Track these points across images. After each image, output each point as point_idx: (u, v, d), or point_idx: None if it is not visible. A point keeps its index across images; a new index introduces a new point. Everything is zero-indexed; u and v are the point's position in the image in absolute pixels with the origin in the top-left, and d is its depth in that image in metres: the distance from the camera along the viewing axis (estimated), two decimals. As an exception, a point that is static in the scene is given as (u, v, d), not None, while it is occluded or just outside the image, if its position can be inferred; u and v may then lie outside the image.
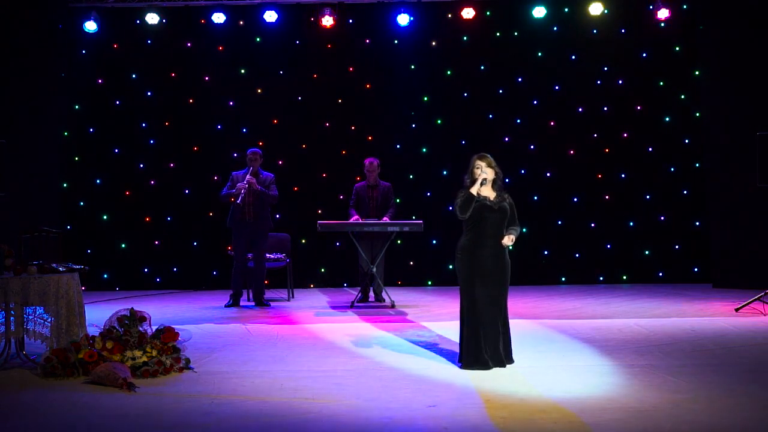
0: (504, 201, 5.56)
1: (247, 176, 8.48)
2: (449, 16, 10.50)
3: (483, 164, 5.54)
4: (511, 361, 5.57)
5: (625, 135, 10.63)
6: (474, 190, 5.48)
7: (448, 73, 10.68)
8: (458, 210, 5.52)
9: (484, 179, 5.48)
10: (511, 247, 5.58)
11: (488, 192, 5.57)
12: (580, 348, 6.16)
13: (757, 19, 9.57)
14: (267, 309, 8.57)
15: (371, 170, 8.97)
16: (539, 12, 10.28)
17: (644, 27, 10.49)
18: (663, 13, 10.15)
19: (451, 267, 10.47)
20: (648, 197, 10.60)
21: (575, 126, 10.62)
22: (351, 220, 8.69)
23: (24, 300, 5.60)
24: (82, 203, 10.45)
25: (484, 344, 5.41)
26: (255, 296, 8.82)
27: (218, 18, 10.22)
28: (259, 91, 10.59)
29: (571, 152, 10.64)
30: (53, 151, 10.14)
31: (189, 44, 10.57)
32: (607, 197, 10.63)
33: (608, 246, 10.62)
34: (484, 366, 5.37)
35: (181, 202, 10.49)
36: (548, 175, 10.61)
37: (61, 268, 5.85)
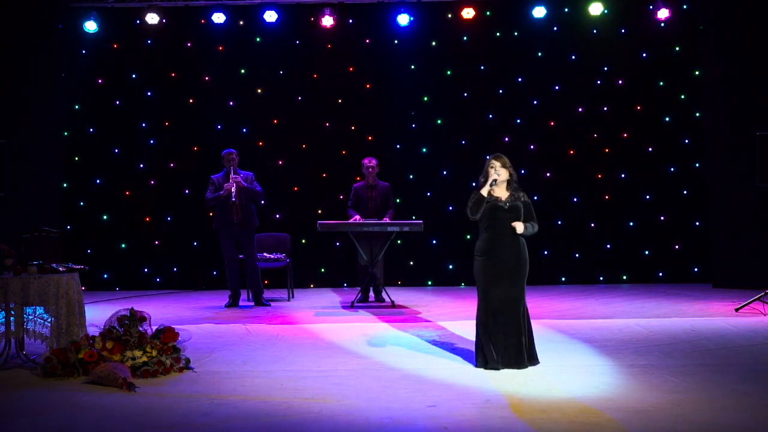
0: (517, 200, 5.56)
1: (232, 175, 8.48)
2: (449, 16, 10.51)
3: (498, 164, 5.54)
4: (535, 362, 5.50)
5: (625, 135, 10.63)
6: (484, 191, 5.49)
7: (448, 73, 10.68)
8: (469, 211, 5.54)
9: (494, 180, 5.48)
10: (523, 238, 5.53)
11: (501, 192, 5.58)
12: (580, 348, 6.16)
13: (757, 19, 9.57)
14: (267, 309, 8.57)
15: (370, 170, 8.96)
16: (539, 12, 10.28)
17: (644, 27, 10.49)
18: (663, 13, 10.15)
19: (450, 267, 10.51)
20: (648, 197, 10.60)
21: (575, 126, 10.62)
22: (352, 220, 8.68)
23: (24, 300, 5.60)
24: (82, 203, 10.45)
25: (495, 345, 5.38)
26: (254, 296, 8.83)
27: (218, 18, 10.22)
28: (259, 91, 10.60)
29: (571, 152, 10.64)
30: (53, 151, 10.14)
31: (189, 44, 10.57)
32: (607, 197, 10.63)
33: (608, 246, 10.62)
34: (495, 367, 5.36)
35: (181, 202, 10.49)
36: (548, 175, 10.61)
37: (61, 268, 5.85)
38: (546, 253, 10.60)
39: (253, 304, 8.83)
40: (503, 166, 5.55)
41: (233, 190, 8.41)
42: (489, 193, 5.51)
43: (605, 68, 10.60)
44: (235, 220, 8.54)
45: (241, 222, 8.56)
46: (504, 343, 5.39)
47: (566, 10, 10.50)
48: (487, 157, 5.65)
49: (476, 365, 5.51)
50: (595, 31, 10.51)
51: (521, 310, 5.47)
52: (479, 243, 5.57)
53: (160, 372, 5.33)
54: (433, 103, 10.65)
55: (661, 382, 5.01)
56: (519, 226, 5.45)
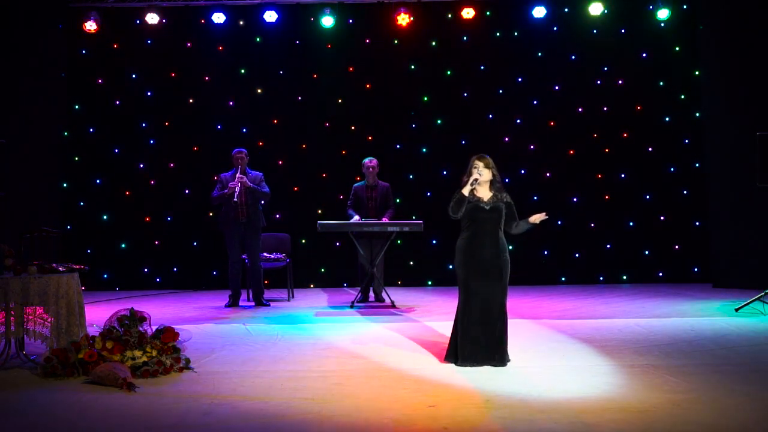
0: (499, 201, 5.61)
1: (238, 175, 8.48)
2: (449, 16, 10.52)
3: (480, 164, 5.59)
4: (507, 359, 5.56)
5: (625, 135, 10.63)
6: (465, 191, 5.54)
7: (448, 73, 10.68)
8: (450, 210, 5.62)
9: (475, 180, 5.53)
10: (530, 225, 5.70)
11: (484, 192, 5.63)
12: (580, 348, 6.16)
13: (757, 19, 9.57)
14: (267, 309, 8.57)
15: (371, 170, 8.97)
16: (539, 12, 10.29)
17: (644, 27, 10.50)
18: (663, 13, 10.16)
19: (451, 267, 10.49)
20: (648, 197, 10.61)
21: (575, 126, 10.62)
22: (352, 220, 8.68)
23: (24, 300, 5.60)
24: (82, 203, 10.45)
25: (473, 342, 5.46)
26: (254, 296, 8.83)
27: (218, 18, 10.23)
28: (259, 91, 10.60)
29: (571, 152, 10.64)
30: (53, 151, 10.14)
31: (189, 44, 10.57)
32: (607, 197, 10.64)
33: (608, 246, 10.62)
34: (473, 363, 5.43)
35: (181, 202, 10.49)
36: (548, 175, 10.61)
37: (61, 268, 5.84)
38: (546, 253, 10.60)
39: (253, 304, 8.83)
40: (486, 166, 5.60)
41: (237, 189, 8.41)
42: (471, 193, 5.56)
43: (605, 68, 10.61)
44: (241, 220, 8.54)
45: (247, 222, 8.57)
46: (482, 340, 5.47)
47: (566, 10, 10.51)
48: (473, 157, 5.69)
49: (444, 360, 5.59)
50: (595, 31, 10.51)
51: (500, 309, 5.53)
52: (460, 241, 5.66)
53: (160, 372, 5.32)
54: (433, 103, 10.65)
55: (661, 382, 5.01)
56: (536, 218, 5.64)
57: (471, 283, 5.52)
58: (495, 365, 5.45)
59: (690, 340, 6.39)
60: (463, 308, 5.56)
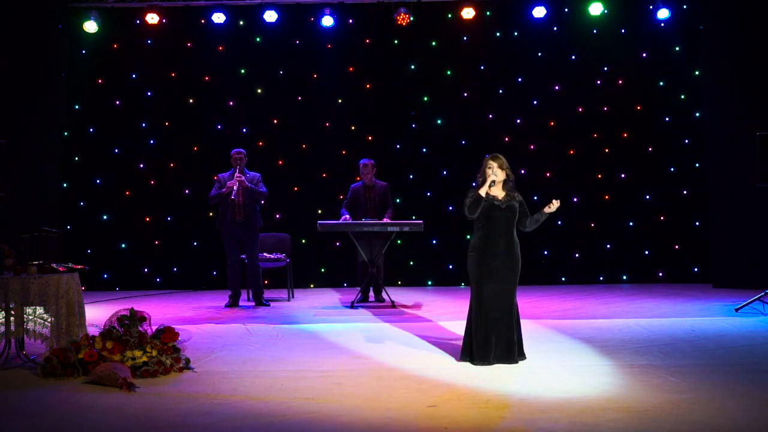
0: (513, 200, 5.70)
1: (236, 174, 8.49)
2: (449, 16, 10.51)
3: (495, 165, 5.66)
4: (522, 357, 5.64)
5: (625, 135, 10.63)
6: (483, 192, 5.59)
7: (448, 73, 10.68)
8: (466, 210, 5.66)
9: (493, 181, 5.57)
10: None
11: (498, 192, 5.70)
12: (580, 348, 6.16)
13: (757, 19, 9.57)
14: (267, 309, 8.57)
15: (366, 171, 8.97)
16: (539, 12, 10.29)
17: (644, 27, 10.51)
18: (663, 13, 10.16)
19: (450, 267, 10.51)
20: (648, 197, 10.60)
21: (575, 126, 10.62)
22: (341, 220, 8.68)
23: (24, 300, 5.60)
24: (82, 203, 10.46)
25: (493, 342, 5.51)
26: (254, 296, 8.84)
27: (218, 18, 10.23)
28: (259, 91, 10.60)
29: (571, 152, 10.64)
30: (53, 151, 10.14)
31: (189, 44, 10.57)
32: (607, 197, 10.63)
33: (608, 246, 10.62)
34: (487, 362, 5.47)
35: (181, 202, 10.49)
36: (548, 175, 10.61)
37: (61, 268, 5.85)
38: (546, 253, 10.60)
39: (253, 304, 8.84)
40: (500, 167, 5.68)
41: (235, 188, 8.41)
42: (486, 193, 5.58)
43: (605, 68, 10.61)
44: (238, 220, 8.54)
45: (245, 222, 8.57)
46: (495, 338, 5.52)
47: (566, 10, 10.51)
48: (486, 156, 5.73)
49: (460, 359, 5.64)
50: (595, 31, 10.51)
51: (512, 307, 5.62)
52: (474, 240, 5.70)
53: (160, 372, 5.33)
54: (433, 103, 10.65)
55: (661, 382, 5.01)
56: (553, 207, 5.76)
57: (484, 281, 5.57)
58: (509, 363, 5.50)
59: (690, 340, 6.39)
60: (476, 307, 5.59)
